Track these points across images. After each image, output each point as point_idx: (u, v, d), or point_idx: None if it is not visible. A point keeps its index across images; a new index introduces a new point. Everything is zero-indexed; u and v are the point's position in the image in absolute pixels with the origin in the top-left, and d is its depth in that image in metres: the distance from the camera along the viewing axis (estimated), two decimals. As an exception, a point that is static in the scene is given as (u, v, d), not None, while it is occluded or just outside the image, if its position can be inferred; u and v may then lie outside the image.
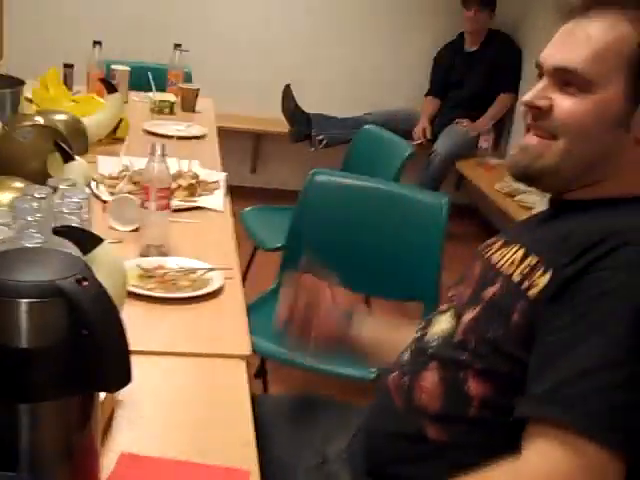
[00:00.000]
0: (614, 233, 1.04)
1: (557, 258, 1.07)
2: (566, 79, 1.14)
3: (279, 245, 2.55)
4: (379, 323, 1.49)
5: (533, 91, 1.18)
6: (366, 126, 3.46)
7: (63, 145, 1.79)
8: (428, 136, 4.71)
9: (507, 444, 1.03)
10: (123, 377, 0.87)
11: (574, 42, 1.14)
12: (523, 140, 1.20)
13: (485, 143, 4.52)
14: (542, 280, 1.08)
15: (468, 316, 1.17)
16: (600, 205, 1.15)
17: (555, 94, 1.15)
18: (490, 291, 1.15)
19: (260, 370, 2.63)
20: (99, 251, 1.14)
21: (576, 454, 0.96)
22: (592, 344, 0.99)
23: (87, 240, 1.15)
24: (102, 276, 1.09)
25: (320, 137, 4.55)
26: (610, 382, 0.96)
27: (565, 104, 1.14)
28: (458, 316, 1.19)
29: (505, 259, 1.18)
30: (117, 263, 1.21)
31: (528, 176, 1.20)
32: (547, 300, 1.05)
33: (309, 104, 4.61)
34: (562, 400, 0.98)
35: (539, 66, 1.19)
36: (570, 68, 1.13)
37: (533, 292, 1.08)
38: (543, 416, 1.00)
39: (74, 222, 1.36)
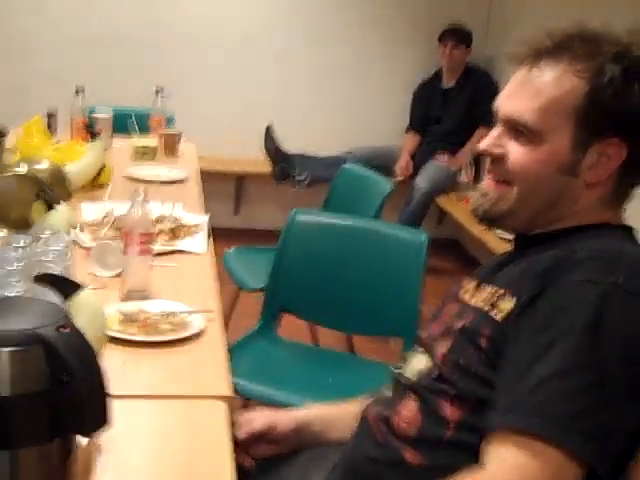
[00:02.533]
0: (568, 255, 1.11)
1: (521, 285, 1.14)
2: (517, 128, 1.19)
3: (262, 286, 2.57)
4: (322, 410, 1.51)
5: (489, 138, 1.24)
6: (346, 165, 3.52)
7: (46, 192, 1.83)
8: (410, 171, 4.76)
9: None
10: (102, 420, 0.90)
11: (524, 94, 1.19)
12: (483, 184, 1.26)
13: (466, 177, 4.58)
14: (508, 305, 1.14)
15: (441, 350, 1.22)
16: (560, 235, 1.21)
17: (509, 142, 1.21)
18: (461, 323, 1.21)
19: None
20: (79, 298, 1.17)
21: (535, 458, 1.01)
22: (552, 355, 1.04)
23: (68, 287, 1.18)
24: (82, 322, 1.12)
25: (302, 177, 4.60)
26: (568, 389, 1.02)
27: (517, 153, 1.20)
28: (432, 354, 1.25)
29: (477, 299, 1.24)
30: (97, 309, 1.24)
31: (489, 219, 1.27)
32: (511, 321, 1.12)
33: (291, 144, 4.67)
34: (522, 409, 1.04)
35: (494, 112, 1.24)
36: (520, 120, 1.19)
37: (500, 316, 1.14)
38: (503, 425, 1.05)
39: (56, 270, 1.40)
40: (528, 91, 1.19)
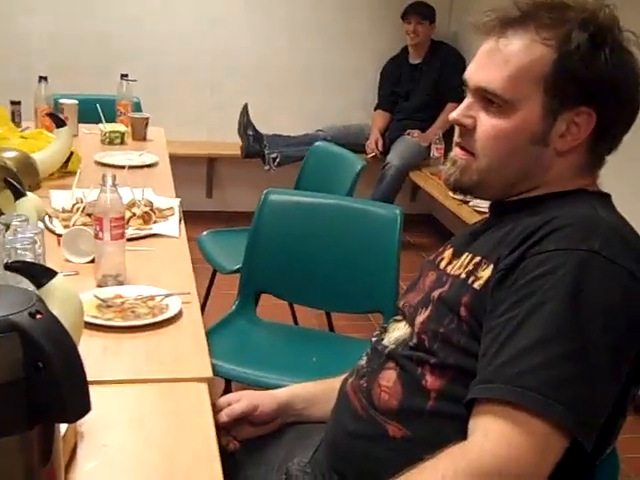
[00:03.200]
0: (548, 221, 1.11)
1: (498, 252, 1.14)
2: (487, 98, 1.19)
3: (237, 267, 2.56)
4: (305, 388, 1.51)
5: (460, 108, 1.23)
6: (317, 143, 3.50)
7: (13, 182, 1.79)
8: (380, 148, 4.77)
9: (466, 436, 1.06)
10: (82, 407, 0.88)
11: (493, 63, 1.19)
12: (452, 152, 1.26)
13: (437, 152, 4.59)
14: (485, 273, 1.14)
15: (420, 318, 1.22)
16: (536, 201, 1.21)
17: (480, 112, 1.21)
18: (439, 291, 1.21)
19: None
20: (53, 284, 1.15)
21: (519, 429, 1.01)
22: (531, 324, 1.04)
23: (40, 274, 1.15)
24: (57, 308, 1.10)
25: (273, 155, 4.58)
26: (548, 358, 1.02)
27: (487, 124, 1.19)
28: (412, 322, 1.24)
29: (454, 266, 1.24)
30: (72, 295, 1.22)
31: (460, 189, 1.27)
32: (490, 289, 1.11)
33: (262, 125, 4.63)
34: (505, 379, 1.03)
35: (460, 86, 1.24)
36: (489, 89, 1.18)
37: (478, 284, 1.14)
38: (486, 397, 1.04)
39: (28, 257, 1.37)
40: (496, 60, 1.18)
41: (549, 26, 1.16)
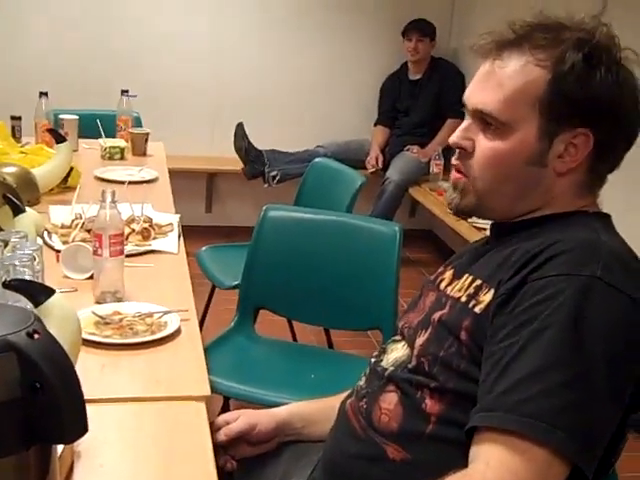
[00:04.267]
0: (549, 245, 1.10)
1: (499, 276, 1.13)
2: (485, 120, 1.19)
3: (236, 283, 2.55)
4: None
5: (458, 131, 1.23)
6: (317, 159, 3.50)
7: (11, 198, 1.79)
8: (380, 164, 4.77)
9: (466, 461, 1.06)
10: (79, 428, 0.87)
11: (489, 86, 1.19)
12: (451, 176, 1.26)
13: (436, 168, 4.59)
14: (486, 297, 1.14)
15: (420, 340, 1.21)
16: (537, 223, 1.21)
17: (478, 134, 1.21)
18: (439, 314, 1.20)
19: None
20: (51, 302, 1.15)
21: (521, 457, 1.00)
22: (532, 351, 1.03)
23: (38, 292, 1.15)
24: (55, 327, 1.09)
25: (273, 173, 4.58)
26: (549, 385, 1.01)
27: (485, 146, 1.19)
28: (411, 343, 1.23)
29: (454, 287, 1.23)
30: (69, 313, 1.22)
31: (463, 212, 1.26)
32: (491, 314, 1.11)
33: (261, 140, 4.64)
34: (506, 407, 1.02)
35: (460, 102, 1.24)
36: (486, 111, 1.18)
37: (479, 308, 1.14)
38: (487, 425, 1.04)
39: (27, 274, 1.37)
40: (493, 83, 1.18)
41: (544, 47, 1.16)
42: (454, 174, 1.24)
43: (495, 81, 1.18)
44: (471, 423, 1.06)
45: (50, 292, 1.15)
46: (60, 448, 1.05)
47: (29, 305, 1.15)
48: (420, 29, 4.75)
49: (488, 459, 1.02)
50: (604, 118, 1.16)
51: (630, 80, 1.17)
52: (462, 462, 1.06)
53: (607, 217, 1.23)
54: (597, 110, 1.15)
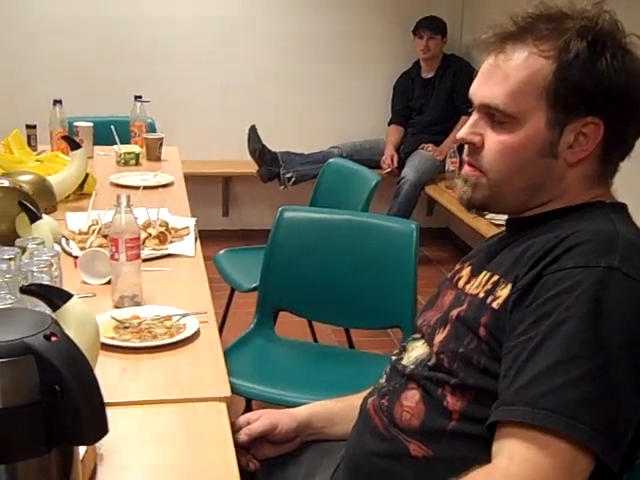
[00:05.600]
0: (566, 237, 1.09)
1: (516, 271, 1.12)
2: (492, 114, 1.18)
3: (255, 285, 2.55)
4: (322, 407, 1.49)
5: (466, 126, 1.22)
6: (331, 160, 3.49)
7: (28, 205, 1.80)
8: (395, 164, 4.76)
9: (489, 456, 1.05)
10: (99, 428, 0.87)
11: (494, 80, 1.17)
12: (463, 170, 1.25)
13: (452, 165, 4.56)
14: (504, 292, 1.13)
15: (439, 338, 1.21)
16: (552, 217, 1.20)
17: (486, 129, 1.19)
18: (457, 310, 1.20)
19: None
20: (68, 306, 1.15)
21: (544, 452, 0.99)
22: (551, 344, 1.02)
23: (56, 296, 1.15)
24: (73, 330, 1.10)
25: (289, 175, 4.58)
26: (570, 378, 1.00)
27: (494, 140, 1.18)
28: (430, 341, 1.23)
29: (473, 285, 1.22)
30: (87, 316, 1.22)
31: (475, 206, 1.25)
32: (509, 309, 1.10)
33: (276, 143, 4.65)
34: (527, 401, 1.01)
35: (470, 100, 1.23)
36: (492, 105, 1.17)
37: (496, 303, 1.13)
38: (509, 420, 1.03)
39: (44, 280, 1.37)
40: (497, 77, 1.17)
41: (547, 37, 1.15)
42: (466, 168, 1.23)
43: (500, 75, 1.17)
44: (492, 418, 1.05)
45: (67, 296, 1.15)
46: (82, 451, 1.05)
47: (48, 310, 1.15)
48: (431, 27, 4.73)
49: (511, 454, 1.01)
50: (613, 105, 1.14)
51: (637, 65, 1.16)
52: (485, 458, 1.05)
53: (623, 207, 1.21)
54: (605, 97, 1.14)
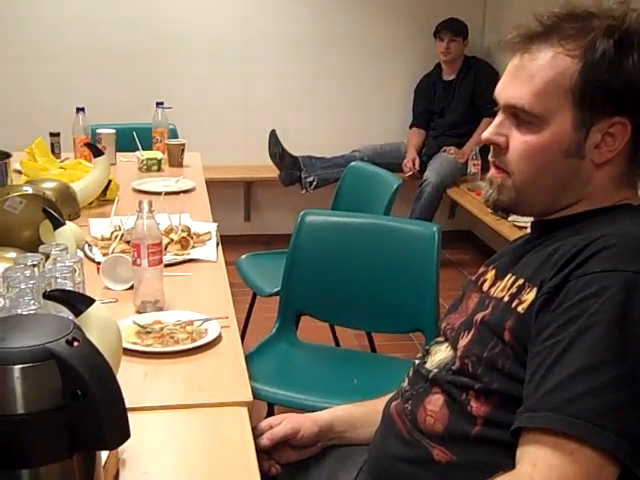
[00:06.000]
0: (594, 240, 1.08)
1: (542, 275, 1.11)
2: (518, 114, 1.17)
3: (277, 290, 2.55)
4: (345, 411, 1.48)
5: (492, 127, 1.21)
6: (352, 163, 3.49)
7: (51, 211, 1.82)
8: (417, 167, 4.75)
9: (513, 462, 1.04)
10: (121, 433, 0.88)
11: (520, 80, 1.17)
12: (489, 173, 1.24)
13: (474, 168, 4.55)
14: (529, 296, 1.12)
15: (463, 342, 1.20)
16: (579, 220, 1.18)
17: (511, 129, 1.19)
18: (482, 314, 1.18)
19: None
20: (91, 312, 1.15)
21: (569, 459, 0.98)
22: (578, 349, 1.01)
23: (78, 302, 1.16)
24: (95, 336, 1.11)
25: (310, 179, 4.59)
26: (596, 384, 0.99)
27: (519, 140, 1.18)
28: (454, 345, 1.22)
29: (497, 288, 1.21)
30: (109, 321, 1.22)
31: (501, 208, 1.24)
32: (535, 313, 1.09)
33: (296, 147, 4.65)
34: (552, 407, 1.00)
35: (495, 100, 1.22)
36: (518, 105, 1.16)
37: (522, 307, 1.12)
38: (534, 426, 1.02)
39: (67, 286, 1.39)
40: (523, 77, 1.16)
41: (573, 37, 1.14)
42: (492, 170, 1.23)
43: (526, 75, 1.16)
44: (517, 424, 1.04)
45: (90, 301, 1.16)
46: (105, 456, 1.05)
47: (71, 316, 1.16)
48: (452, 29, 4.71)
49: (535, 460, 1.00)
50: (638, 104, 1.13)
51: None
52: (509, 463, 1.04)
53: None
54: (632, 97, 1.13)
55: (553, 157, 1.16)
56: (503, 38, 1.21)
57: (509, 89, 1.18)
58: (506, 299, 1.16)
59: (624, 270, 1.03)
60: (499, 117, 1.21)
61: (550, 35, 1.15)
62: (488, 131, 1.22)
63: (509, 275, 1.20)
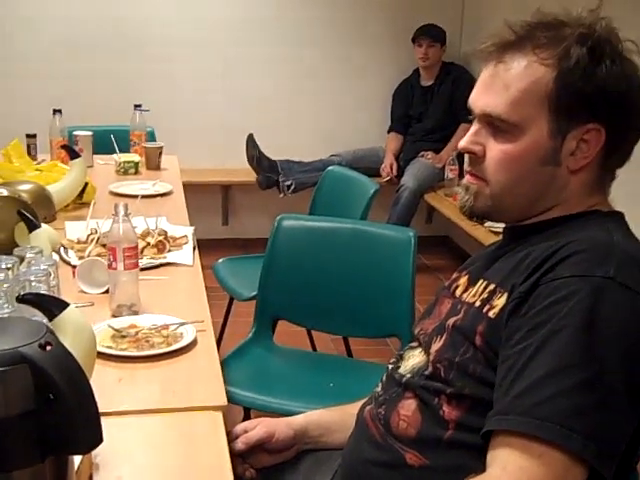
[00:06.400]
0: (563, 246, 1.09)
1: (512, 280, 1.12)
2: (494, 123, 1.18)
3: (253, 294, 2.55)
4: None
5: (468, 135, 1.22)
6: (330, 167, 3.49)
7: (26, 214, 1.80)
8: (395, 172, 4.77)
9: (484, 465, 1.05)
10: (94, 438, 0.88)
11: (494, 89, 1.18)
12: (464, 179, 1.25)
13: (451, 173, 4.57)
14: (500, 301, 1.13)
15: (435, 346, 1.21)
16: (551, 225, 1.20)
17: (488, 138, 1.19)
18: (454, 319, 1.20)
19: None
20: (65, 315, 1.15)
21: (537, 461, 0.99)
22: (546, 353, 1.03)
23: (52, 305, 1.15)
24: (69, 339, 1.10)
25: (288, 182, 4.59)
26: (564, 387, 1.00)
27: (496, 149, 1.18)
28: (427, 350, 1.23)
29: (470, 293, 1.23)
30: (83, 325, 1.22)
31: (477, 214, 1.25)
32: (506, 318, 1.10)
33: (275, 151, 4.65)
34: (520, 411, 1.01)
35: (470, 109, 1.23)
36: (494, 114, 1.17)
37: (493, 312, 1.13)
38: (503, 428, 1.03)
39: (42, 289, 1.38)
40: (498, 86, 1.17)
41: (546, 45, 1.15)
42: (467, 178, 1.24)
43: (500, 84, 1.17)
44: (487, 427, 1.06)
45: (63, 305, 1.16)
46: (78, 460, 1.05)
47: (45, 319, 1.15)
48: (430, 35, 4.74)
49: (505, 463, 1.01)
50: (613, 111, 1.15)
51: (634, 70, 1.17)
52: (481, 467, 1.06)
53: (620, 216, 1.22)
54: (606, 103, 1.14)
55: (530, 165, 1.17)
56: (476, 47, 1.22)
57: (484, 98, 1.19)
58: (477, 304, 1.17)
59: (592, 275, 1.04)
60: (475, 126, 1.21)
61: (523, 44, 1.16)
62: (464, 140, 1.22)
63: (481, 280, 1.21)
